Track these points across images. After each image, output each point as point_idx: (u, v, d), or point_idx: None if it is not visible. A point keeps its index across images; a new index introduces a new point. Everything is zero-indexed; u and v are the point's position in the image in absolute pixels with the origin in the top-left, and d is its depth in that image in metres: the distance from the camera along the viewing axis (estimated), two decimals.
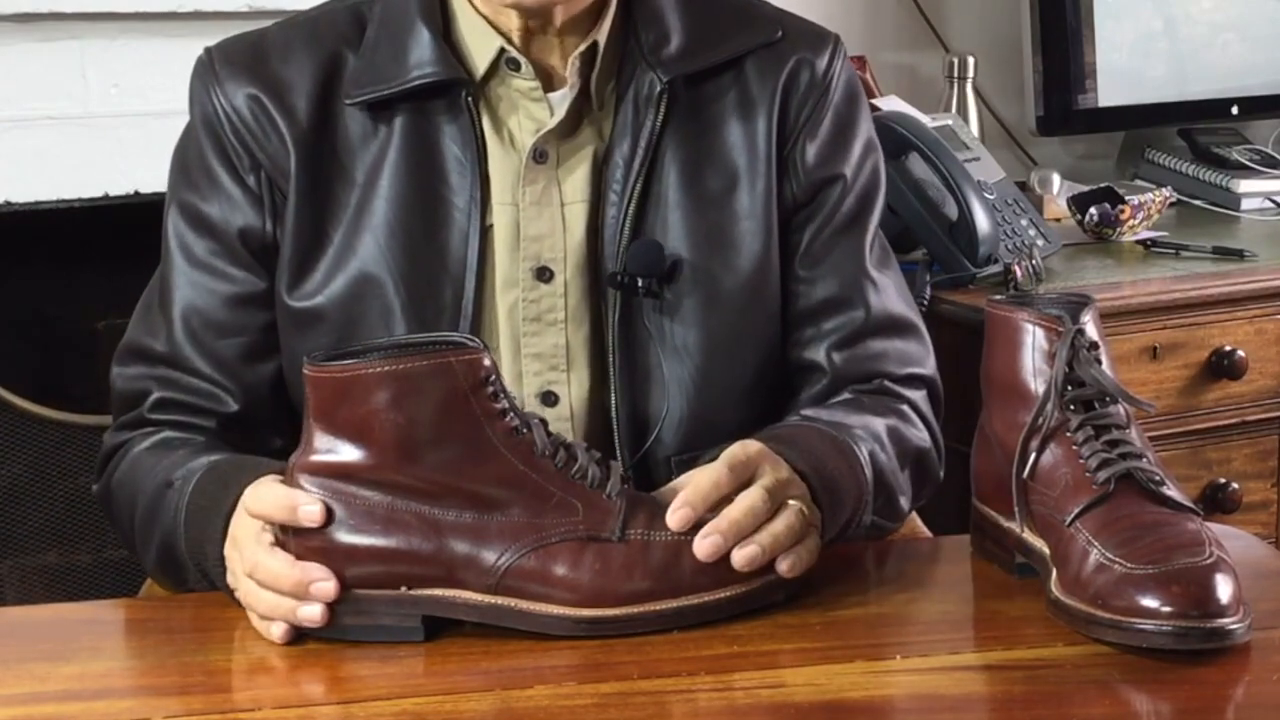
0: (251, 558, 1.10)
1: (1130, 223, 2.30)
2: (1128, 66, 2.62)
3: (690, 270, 1.30)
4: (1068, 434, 1.10)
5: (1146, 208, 2.32)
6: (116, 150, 2.10)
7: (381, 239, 1.28)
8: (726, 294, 1.31)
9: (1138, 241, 2.29)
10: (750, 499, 1.10)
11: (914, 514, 1.41)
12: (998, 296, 1.20)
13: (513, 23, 1.28)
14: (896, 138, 2.05)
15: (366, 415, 1.06)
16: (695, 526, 1.08)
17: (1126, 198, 2.32)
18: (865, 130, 1.39)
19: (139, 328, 1.34)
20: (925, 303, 1.98)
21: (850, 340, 1.34)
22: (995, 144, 2.61)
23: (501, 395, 1.08)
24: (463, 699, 1.00)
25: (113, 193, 2.10)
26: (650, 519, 1.09)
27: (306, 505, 1.08)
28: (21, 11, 2.02)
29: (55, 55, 2.06)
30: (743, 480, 1.12)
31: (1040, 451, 1.11)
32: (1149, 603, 1.00)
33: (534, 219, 1.30)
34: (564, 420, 1.30)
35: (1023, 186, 2.38)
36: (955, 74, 2.55)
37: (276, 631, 1.08)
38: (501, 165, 1.30)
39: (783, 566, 1.10)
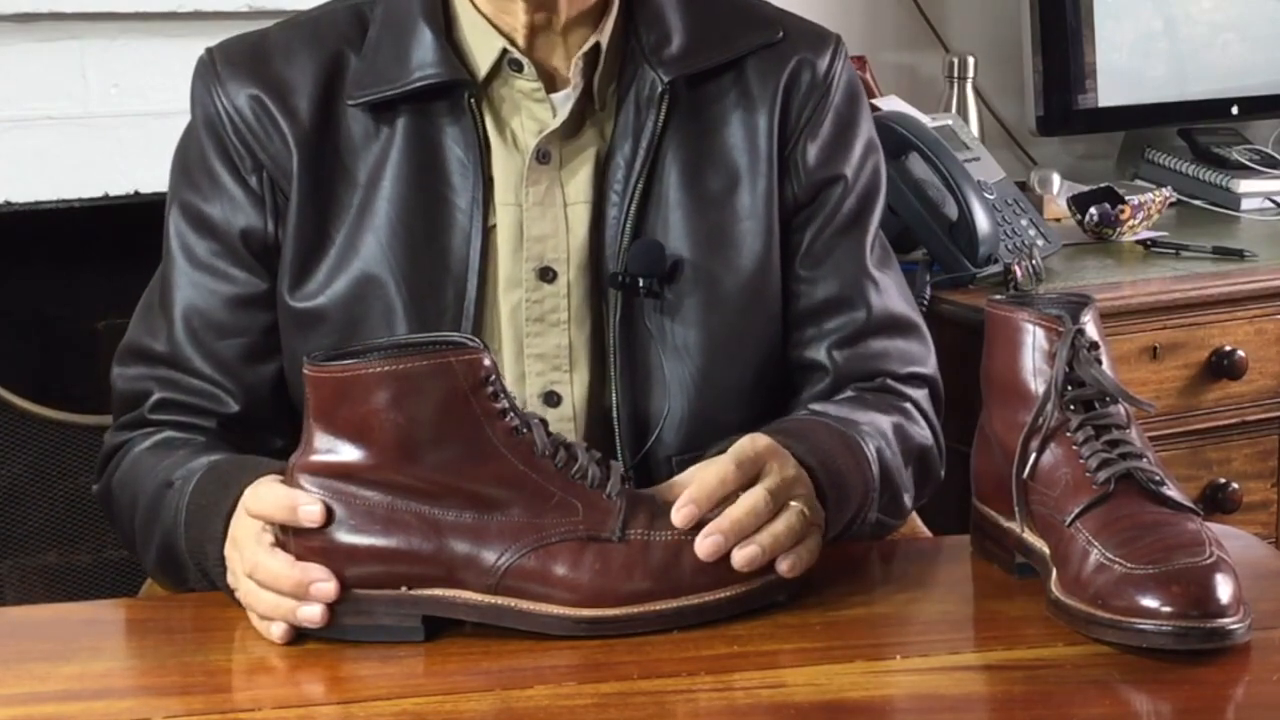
0: (251, 558, 1.10)
1: (1130, 223, 2.30)
2: (1128, 66, 2.62)
3: (691, 270, 1.30)
4: (1068, 434, 1.10)
5: (1146, 208, 2.32)
6: (116, 150, 2.10)
7: (384, 239, 1.28)
8: (727, 294, 1.31)
9: (1138, 241, 2.29)
10: (753, 499, 1.10)
11: (914, 514, 1.41)
12: (998, 296, 1.20)
13: (517, 20, 1.28)
14: (896, 138, 2.05)
15: (366, 415, 1.06)
16: (698, 525, 1.08)
17: (1126, 198, 2.32)
18: (866, 130, 1.39)
19: (139, 328, 1.34)
20: (925, 303, 1.98)
21: (852, 339, 1.35)
22: (995, 144, 2.61)
23: (501, 395, 1.08)
24: (463, 699, 1.00)
25: (113, 193, 2.10)
26: (650, 519, 1.09)
27: (306, 505, 1.08)
28: (21, 11, 2.02)
29: (55, 55, 2.06)
30: (749, 477, 1.11)
31: (1040, 451, 1.11)
32: (1149, 603, 1.00)
33: (537, 219, 1.30)
34: (566, 420, 1.30)
35: (1023, 186, 2.38)
36: (955, 74, 2.55)
37: (276, 631, 1.08)
38: (505, 166, 1.30)
39: (783, 567, 1.10)
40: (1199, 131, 2.67)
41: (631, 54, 1.31)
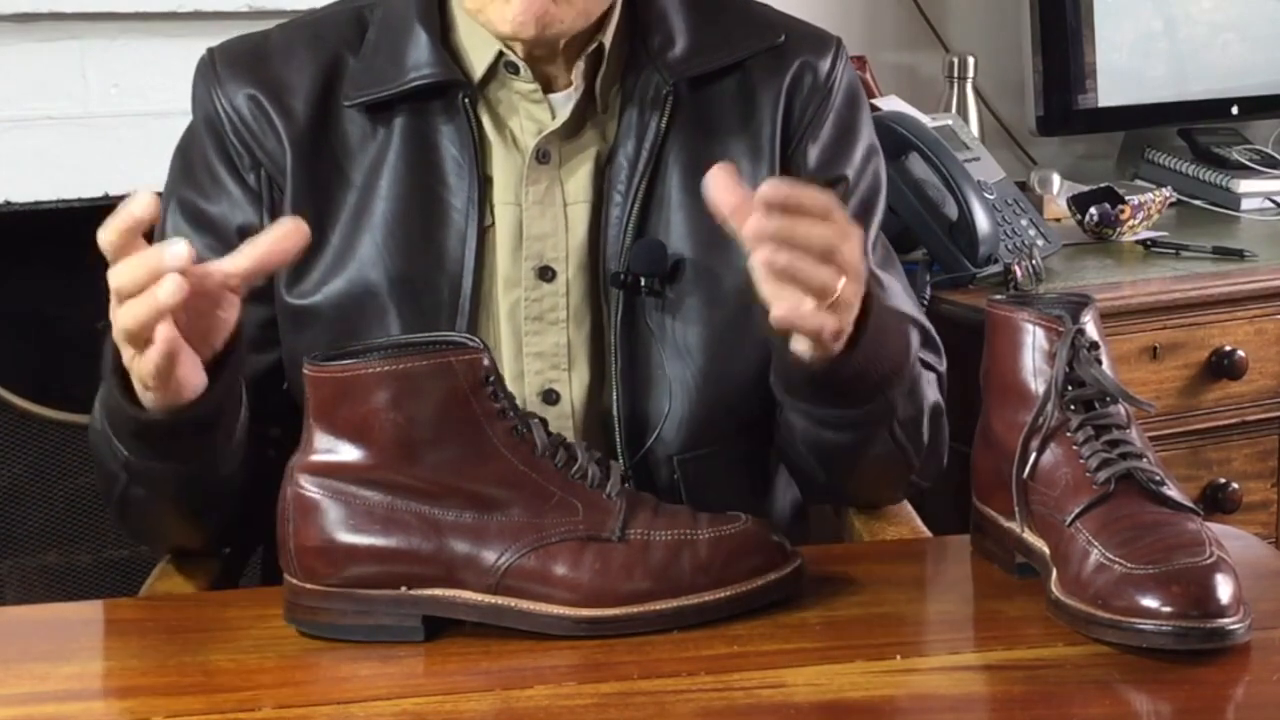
0: (111, 283, 1.07)
1: (1130, 223, 2.30)
2: (1128, 66, 2.62)
3: (693, 270, 1.30)
4: (1068, 434, 1.10)
5: (1146, 208, 2.32)
6: (116, 150, 2.10)
7: (379, 238, 1.28)
8: (728, 294, 1.31)
9: (1138, 241, 2.29)
10: (818, 198, 1.07)
11: (914, 514, 1.41)
12: (998, 296, 1.20)
13: (519, 50, 1.28)
14: (896, 138, 2.05)
15: (366, 415, 1.06)
16: (697, 529, 1.08)
17: (1126, 198, 2.32)
18: (867, 133, 1.39)
19: None
20: (925, 303, 1.98)
21: None
22: (995, 144, 2.61)
23: (501, 395, 1.08)
24: (463, 699, 1.00)
25: (113, 193, 2.10)
26: (650, 519, 1.09)
27: (172, 247, 1.04)
28: (21, 11, 2.02)
29: (55, 55, 2.06)
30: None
31: (1040, 451, 1.11)
32: (1149, 603, 1.00)
33: (537, 219, 1.30)
34: (565, 419, 1.30)
35: (1023, 186, 2.38)
36: (955, 74, 2.55)
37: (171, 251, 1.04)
38: (504, 165, 1.30)
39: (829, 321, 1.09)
40: (1199, 131, 2.67)
41: (635, 56, 1.32)
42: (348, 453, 1.07)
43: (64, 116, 2.08)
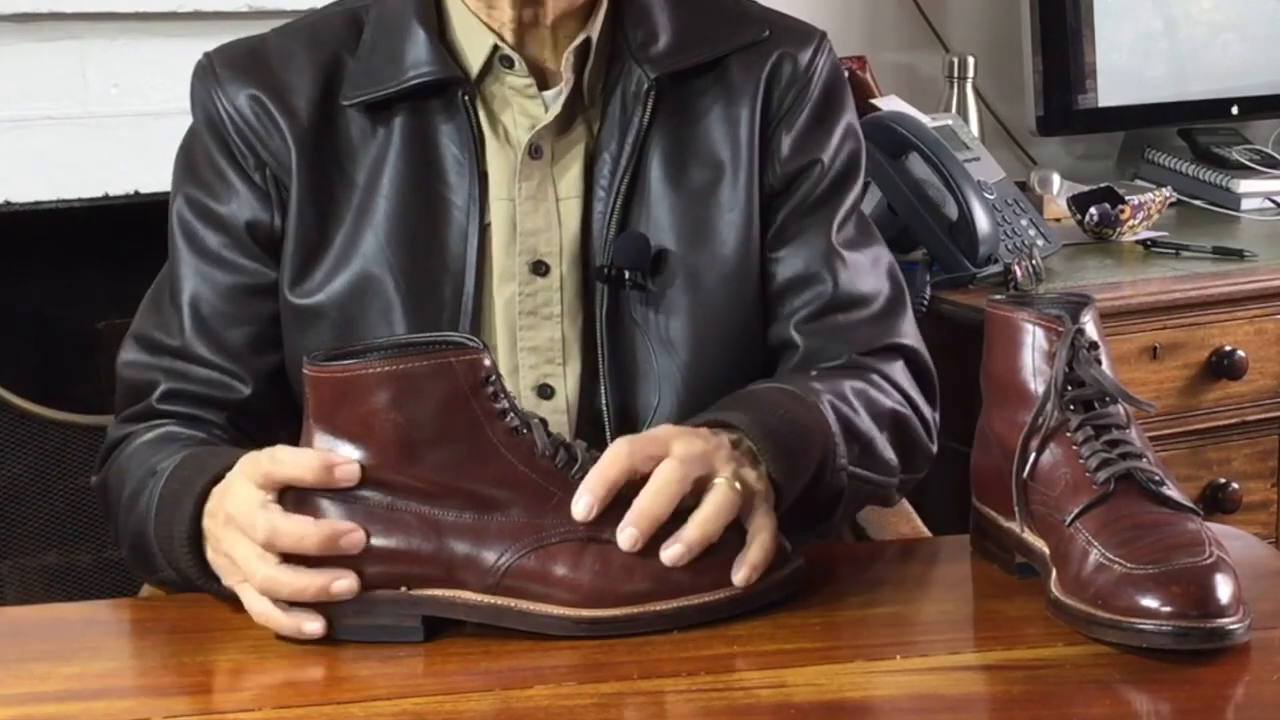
0: (266, 525, 1.05)
1: (1130, 223, 2.30)
2: (1128, 66, 2.62)
3: (675, 262, 1.31)
4: (1068, 434, 1.10)
5: (1146, 208, 2.32)
6: (116, 150, 2.10)
7: (382, 238, 1.29)
8: (711, 285, 1.31)
9: (1138, 241, 2.29)
10: (662, 474, 1.06)
11: (914, 514, 1.41)
12: (998, 296, 1.19)
13: (504, 16, 1.29)
14: (896, 138, 2.05)
15: (366, 415, 1.06)
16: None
17: (1126, 198, 2.32)
18: (846, 119, 1.38)
19: (148, 320, 1.34)
20: (925, 303, 1.98)
21: (817, 315, 1.33)
22: (995, 144, 2.61)
23: (502, 395, 1.08)
24: (463, 699, 1.00)
25: (113, 193, 2.10)
26: None
27: (343, 465, 1.04)
28: (21, 11, 2.02)
29: (55, 55, 2.06)
30: (646, 456, 1.08)
31: (1040, 451, 1.11)
32: (1149, 603, 1.00)
33: (530, 214, 1.30)
34: (560, 413, 1.30)
35: (1023, 186, 2.38)
36: (955, 74, 2.55)
37: (310, 628, 1.05)
38: (498, 161, 1.31)
39: (737, 579, 1.07)
40: (1199, 131, 2.67)
41: (618, 51, 1.32)
42: (348, 453, 1.07)
43: (64, 116, 2.08)
